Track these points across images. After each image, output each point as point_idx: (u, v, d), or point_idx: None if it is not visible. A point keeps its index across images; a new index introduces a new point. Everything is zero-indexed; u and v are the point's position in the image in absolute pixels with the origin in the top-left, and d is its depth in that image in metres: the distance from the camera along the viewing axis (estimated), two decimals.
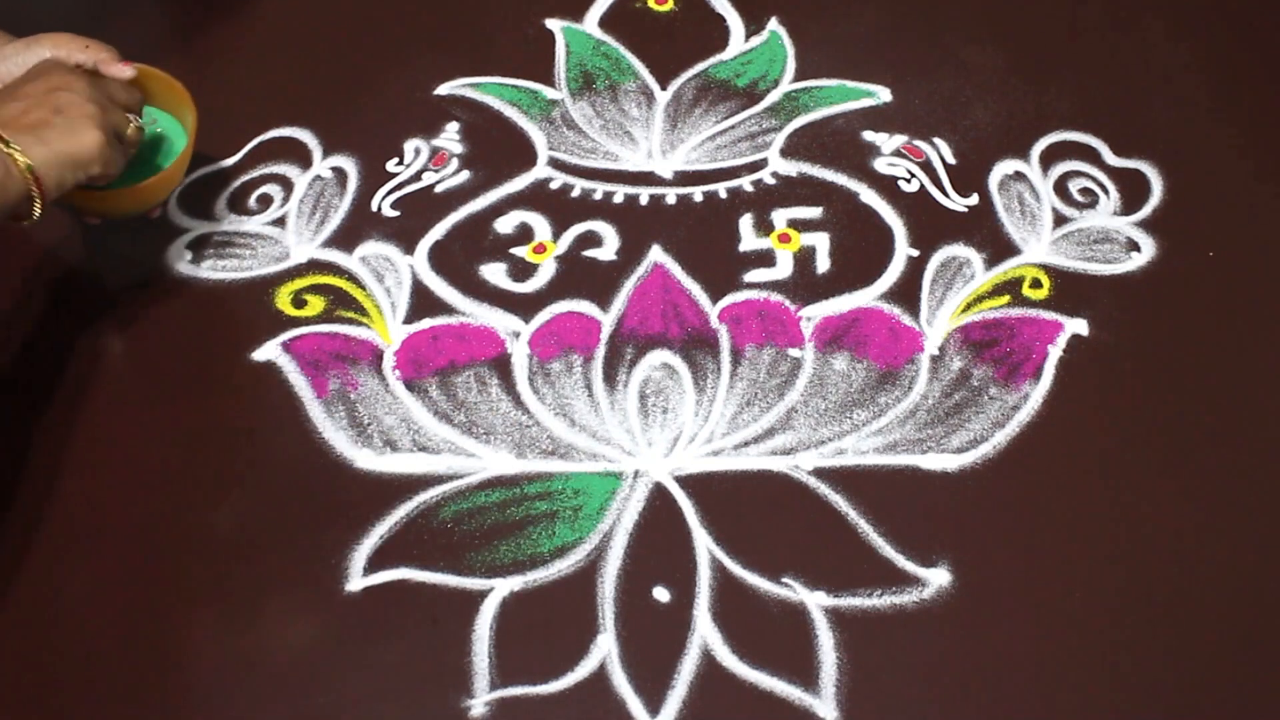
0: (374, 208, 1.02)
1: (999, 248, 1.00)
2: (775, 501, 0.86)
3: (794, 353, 0.94)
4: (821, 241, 1.01)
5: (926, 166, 1.05)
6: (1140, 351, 0.94)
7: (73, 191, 0.87)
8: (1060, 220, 1.02)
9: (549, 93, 1.11)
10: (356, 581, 0.82)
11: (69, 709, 0.78)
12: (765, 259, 1.00)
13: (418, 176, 1.05)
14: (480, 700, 0.78)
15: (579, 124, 1.08)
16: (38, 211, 0.82)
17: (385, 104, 1.10)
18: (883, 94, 1.11)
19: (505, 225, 1.02)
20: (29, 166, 0.80)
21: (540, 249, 1.00)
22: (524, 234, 1.01)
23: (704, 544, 0.84)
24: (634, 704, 0.78)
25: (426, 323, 0.95)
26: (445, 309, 0.96)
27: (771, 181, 1.04)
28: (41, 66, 0.87)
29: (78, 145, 0.82)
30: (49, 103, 0.83)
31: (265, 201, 1.03)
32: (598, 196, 1.03)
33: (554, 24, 1.16)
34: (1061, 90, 1.11)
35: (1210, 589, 0.83)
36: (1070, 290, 0.97)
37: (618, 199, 1.03)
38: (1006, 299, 0.97)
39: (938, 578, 0.83)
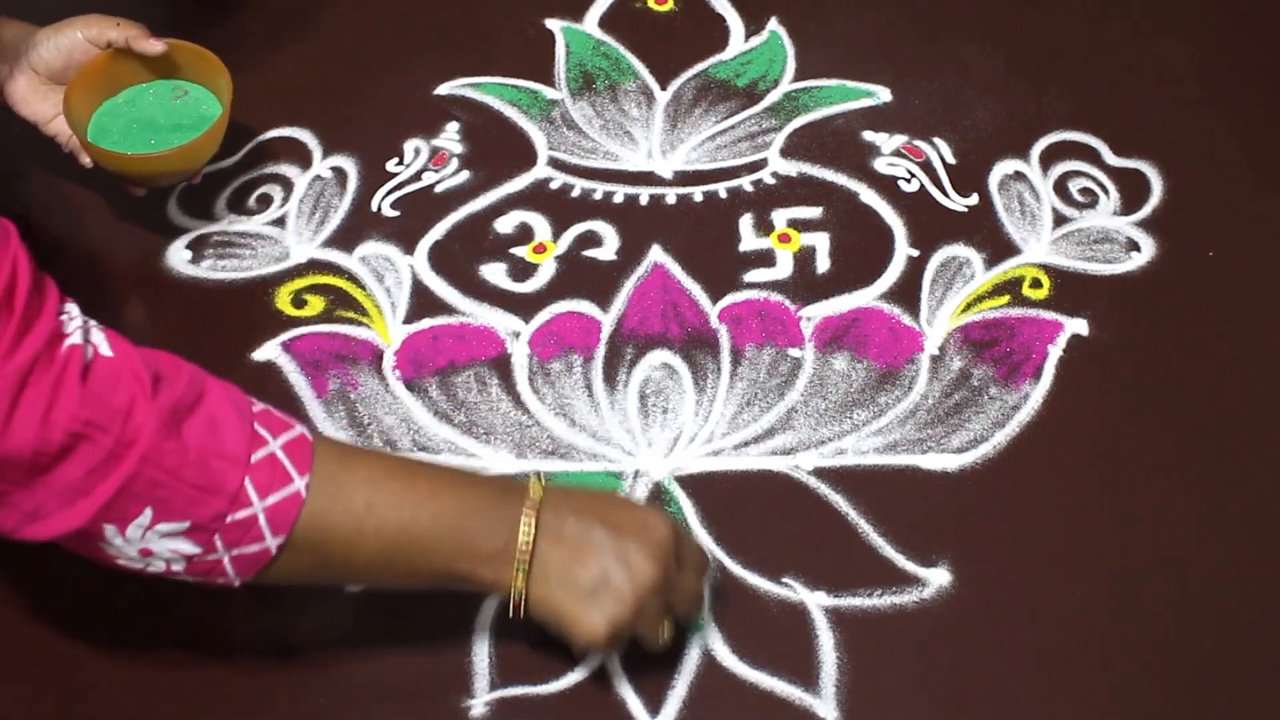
0: (374, 208, 1.02)
1: (999, 248, 1.00)
2: (775, 501, 0.86)
3: (794, 353, 0.94)
4: (821, 241, 1.01)
5: (926, 166, 1.05)
6: (1140, 351, 0.94)
7: (113, 154, 0.91)
8: (1060, 220, 1.02)
9: (549, 93, 1.11)
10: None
11: (68, 707, 0.78)
12: (765, 259, 1.00)
13: (418, 176, 1.05)
14: (480, 700, 0.78)
15: (579, 124, 1.08)
16: (514, 609, 0.72)
17: (385, 104, 1.10)
18: (883, 94, 1.11)
19: (505, 225, 1.02)
20: (519, 592, 0.70)
21: (540, 249, 1.00)
22: (524, 234, 1.01)
23: (704, 544, 0.84)
24: (634, 704, 0.78)
25: (426, 323, 0.95)
26: (445, 309, 0.96)
27: (771, 181, 1.04)
28: (654, 521, 0.73)
29: (577, 618, 0.71)
30: (605, 553, 0.70)
31: (265, 201, 1.03)
32: (598, 196, 1.03)
33: (554, 24, 1.16)
34: (1061, 90, 1.11)
35: (1210, 588, 0.83)
36: (1070, 290, 0.97)
37: (618, 199, 1.03)
38: (1006, 299, 0.97)
39: (938, 578, 0.83)
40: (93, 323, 0.65)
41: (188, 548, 0.65)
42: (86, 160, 0.95)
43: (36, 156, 1.01)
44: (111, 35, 0.94)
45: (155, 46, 0.95)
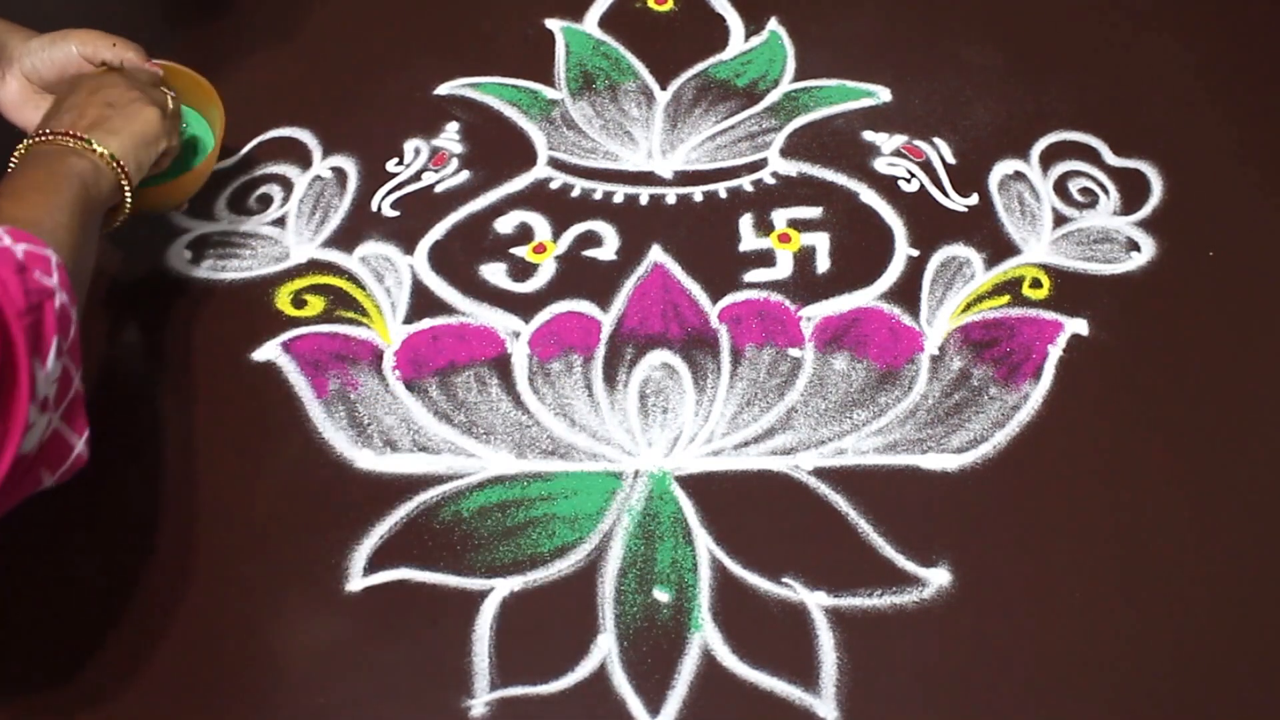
0: (374, 208, 1.02)
1: (999, 248, 1.00)
2: (775, 501, 0.86)
3: (794, 353, 0.94)
4: (821, 241, 1.00)
5: (926, 166, 1.05)
6: (1140, 351, 0.94)
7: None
8: (1060, 220, 1.02)
9: (549, 93, 1.11)
10: (357, 581, 0.82)
11: (68, 707, 0.78)
12: (765, 259, 1.00)
13: (418, 176, 1.05)
14: (480, 700, 0.78)
15: (579, 124, 1.08)
16: (128, 199, 0.85)
17: (385, 104, 1.10)
18: (883, 94, 1.11)
19: (505, 225, 1.02)
20: (111, 155, 0.83)
21: (540, 249, 1.00)
22: (524, 234, 1.01)
23: (704, 544, 0.84)
24: (634, 704, 0.78)
25: (426, 323, 0.95)
26: (445, 309, 0.96)
27: (771, 181, 1.04)
28: (71, 81, 0.90)
29: (142, 125, 0.86)
30: (97, 101, 0.86)
31: (265, 201, 1.03)
32: (598, 196, 1.03)
33: (554, 24, 1.16)
34: (1061, 90, 1.11)
35: (1210, 588, 0.83)
36: (1070, 290, 0.97)
37: (618, 199, 1.03)
38: (1006, 299, 0.97)
39: (938, 578, 0.83)
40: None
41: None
42: None
43: None
44: (107, 55, 0.92)
45: (149, 70, 0.94)
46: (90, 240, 0.82)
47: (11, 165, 0.83)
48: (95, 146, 0.83)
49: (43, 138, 0.84)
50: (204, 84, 0.97)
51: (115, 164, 0.84)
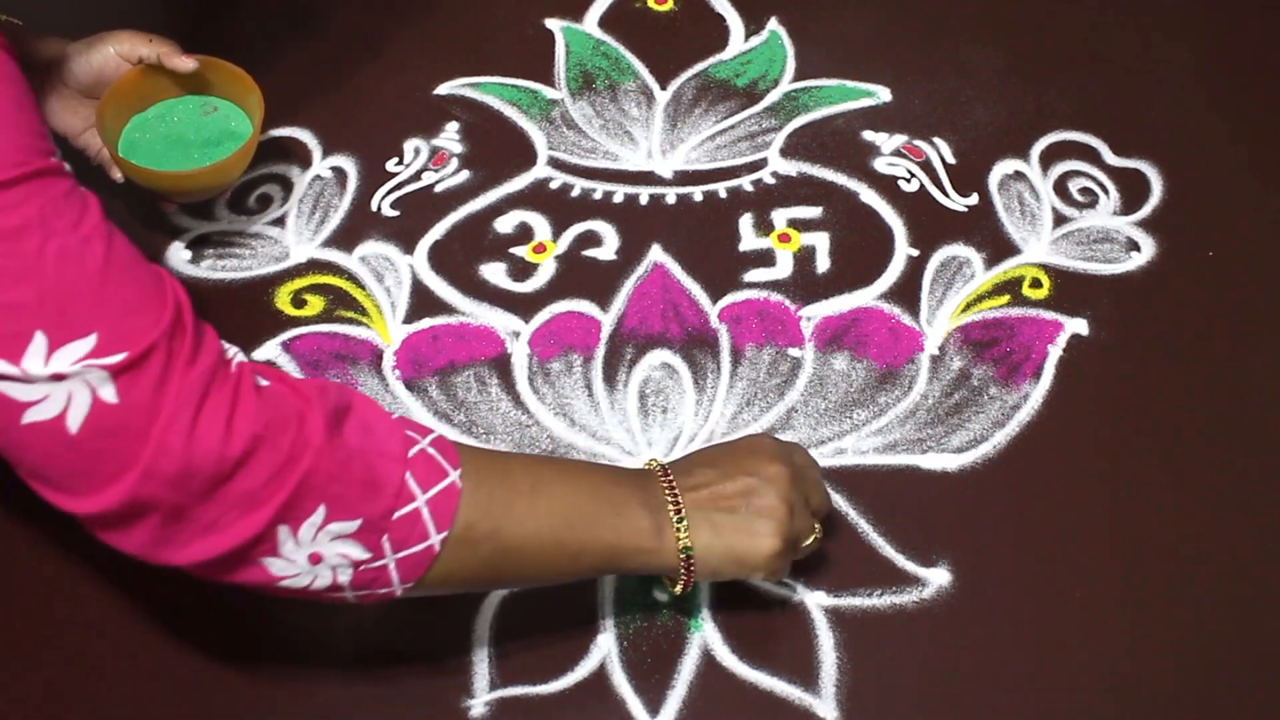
0: (374, 207, 1.02)
1: (999, 247, 1.00)
2: None
3: (794, 352, 0.94)
4: (821, 241, 1.00)
5: (926, 166, 1.05)
6: (1140, 351, 0.94)
7: (146, 170, 0.92)
8: (1060, 220, 1.02)
9: (549, 92, 1.11)
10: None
11: (66, 706, 0.78)
12: (765, 259, 0.99)
13: (417, 176, 1.05)
14: (480, 700, 0.78)
15: (579, 124, 1.08)
16: (677, 590, 0.75)
17: (385, 104, 1.10)
18: (883, 94, 1.11)
19: (505, 225, 1.02)
20: (687, 549, 0.73)
21: (540, 249, 1.00)
22: (524, 234, 1.01)
23: None
24: (634, 704, 0.78)
25: (426, 322, 0.95)
26: (445, 309, 0.96)
27: (771, 181, 1.04)
28: (758, 442, 0.78)
29: (750, 548, 0.73)
30: (741, 484, 0.74)
31: (265, 201, 1.03)
32: (597, 196, 1.03)
33: (554, 24, 1.16)
34: (1061, 90, 1.11)
35: (1210, 588, 0.83)
36: (1070, 290, 0.97)
37: (617, 199, 1.03)
38: (1006, 299, 0.97)
39: (938, 578, 0.83)
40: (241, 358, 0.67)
41: (356, 551, 0.65)
42: (117, 175, 0.95)
43: None
44: (143, 52, 0.93)
45: (187, 64, 0.94)
46: (561, 577, 0.73)
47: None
48: (682, 535, 0.72)
49: (660, 476, 0.74)
50: (240, 73, 0.98)
51: (684, 560, 0.73)
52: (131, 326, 0.60)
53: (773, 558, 0.74)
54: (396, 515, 0.66)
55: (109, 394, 0.60)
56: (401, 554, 0.66)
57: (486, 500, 0.68)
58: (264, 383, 0.65)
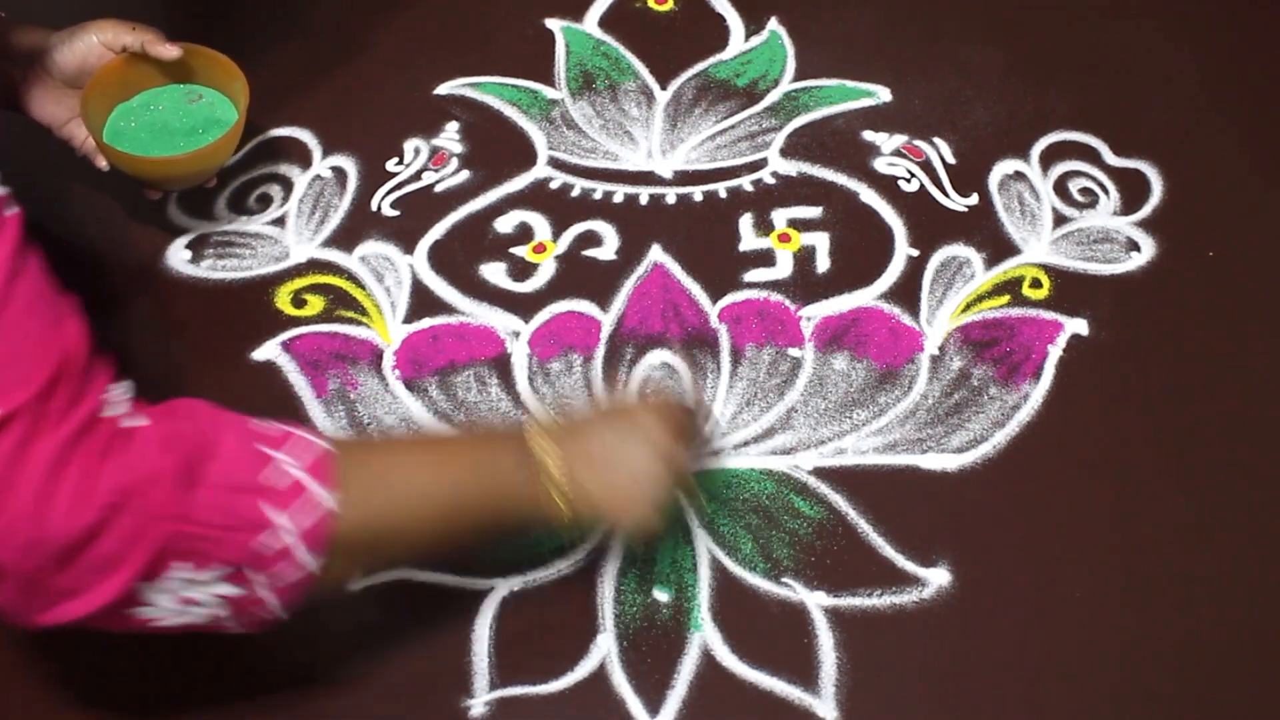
0: (374, 207, 1.02)
1: (999, 247, 1.00)
2: (775, 501, 0.86)
3: (794, 352, 0.94)
4: (821, 241, 1.00)
5: (926, 166, 1.05)
6: (1140, 351, 0.94)
7: (131, 157, 0.92)
8: (1060, 220, 1.02)
9: (549, 92, 1.11)
10: (356, 581, 0.82)
11: (65, 706, 0.78)
12: (765, 259, 1.00)
13: (417, 176, 1.05)
14: (480, 700, 0.78)
15: (579, 124, 1.08)
16: (567, 533, 0.78)
17: (385, 104, 1.10)
18: (883, 94, 1.11)
19: (505, 225, 1.02)
20: (561, 496, 0.73)
21: (540, 249, 1.00)
22: (524, 234, 1.01)
23: (704, 544, 0.84)
24: (634, 704, 0.78)
25: (426, 322, 0.95)
26: (445, 309, 0.96)
27: (771, 181, 1.04)
28: (628, 400, 0.80)
29: (619, 497, 0.75)
30: (613, 436, 0.76)
31: (265, 201, 1.03)
32: (597, 196, 1.03)
33: (554, 24, 1.16)
34: (1061, 90, 1.11)
35: (1210, 588, 0.83)
36: (1070, 290, 0.97)
37: (617, 199, 1.03)
38: (1006, 299, 0.97)
39: (938, 578, 0.83)
40: (130, 399, 0.65)
41: (229, 589, 0.65)
42: (103, 163, 0.95)
43: (45, 158, 1.01)
44: (127, 40, 0.93)
45: (171, 52, 0.94)
46: (433, 537, 0.73)
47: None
48: (554, 481, 0.72)
49: (532, 429, 0.74)
50: (224, 60, 0.98)
51: (559, 507, 0.73)
52: (3, 382, 0.58)
53: (640, 506, 0.75)
54: (266, 550, 0.64)
55: None
56: (277, 585, 0.66)
57: (358, 508, 0.67)
58: (139, 422, 0.63)
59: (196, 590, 0.64)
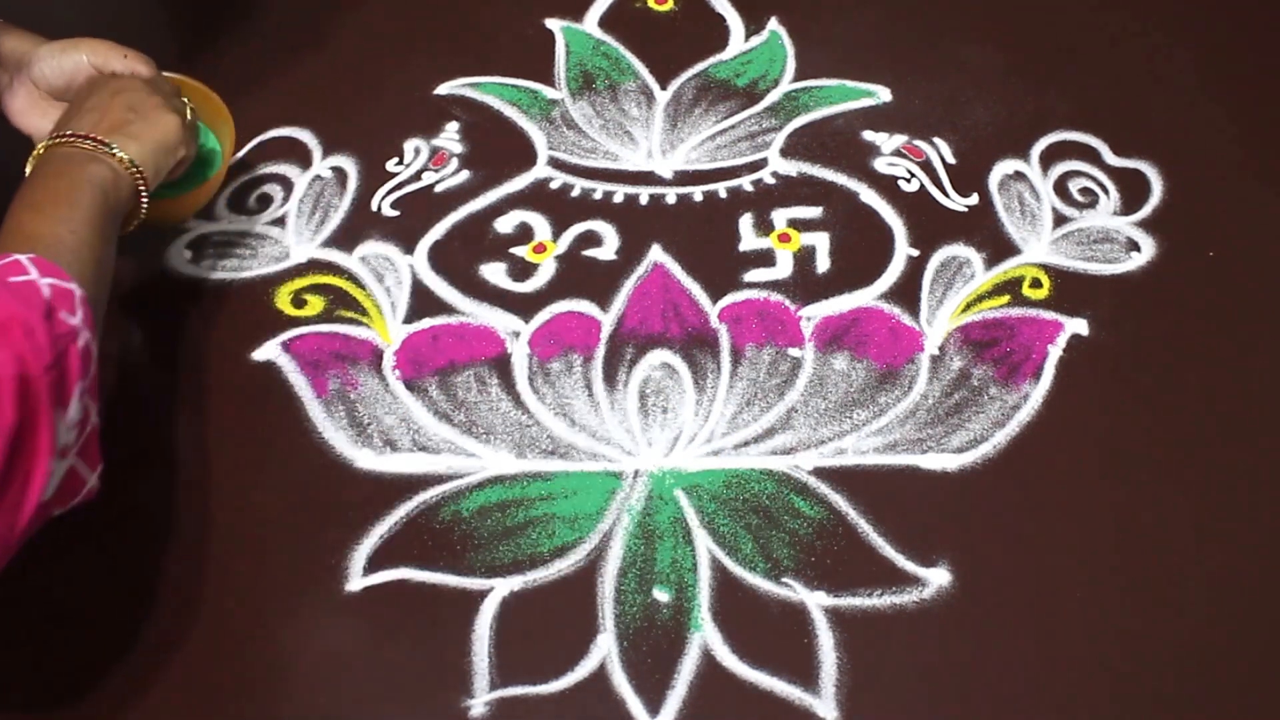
0: (374, 207, 1.02)
1: (999, 247, 1.00)
2: (775, 501, 0.86)
3: (794, 352, 0.94)
4: (821, 241, 1.00)
5: (926, 166, 1.05)
6: (1140, 351, 0.94)
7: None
8: (1060, 220, 1.02)
9: (549, 93, 1.11)
10: (356, 581, 0.82)
11: (65, 707, 0.78)
12: (765, 259, 1.00)
13: (417, 176, 1.05)
14: (480, 700, 0.78)
15: (579, 124, 1.08)
16: (144, 208, 0.84)
17: (385, 104, 1.10)
18: (883, 94, 1.11)
19: (505, 225, 1.02)
20: (131, 161, 0.82)
21: (540, 249, 1.00)
22: (524, 234, 1.01)
23: (704, 544, 0.84)
24: (634, 704, 0.78)
25: (426, 322, 0.95)
26: (445, 309, 0.96)
27: (771, 181, 1.04)
28: (92, 82, 0.88)
29: (163, 132, 0.85)
30: (119, 104, 0.85)
31: (265, 201, 1.03)
32: (598, 196, 1.03)
33: (554, 24, 1.16)
34: (1061, 90, 1.11)
35: (1210, 588, 0.83)
36: (1070, 290, 0.97)
37: (618, 199, 1.03)
38: (1006, 299, 0.97)
39: (938, 578, 0.83)
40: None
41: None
42: None
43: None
44: (117, 66, 0.91)
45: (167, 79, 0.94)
46: (109, 254, 0.81)
47: (28, 169, 0.83)
48: (116, 152, 0.82)
49: (62, 139, 0.83)
50: (214, 98, 0.97)
51: (135, 170, 0.83)
52: None
53: (180, 128, 0.86)
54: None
55: None
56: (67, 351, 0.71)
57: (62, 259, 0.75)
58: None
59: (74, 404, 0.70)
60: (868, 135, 1.08)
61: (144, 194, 0.84)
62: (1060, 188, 1.04)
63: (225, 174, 0.97)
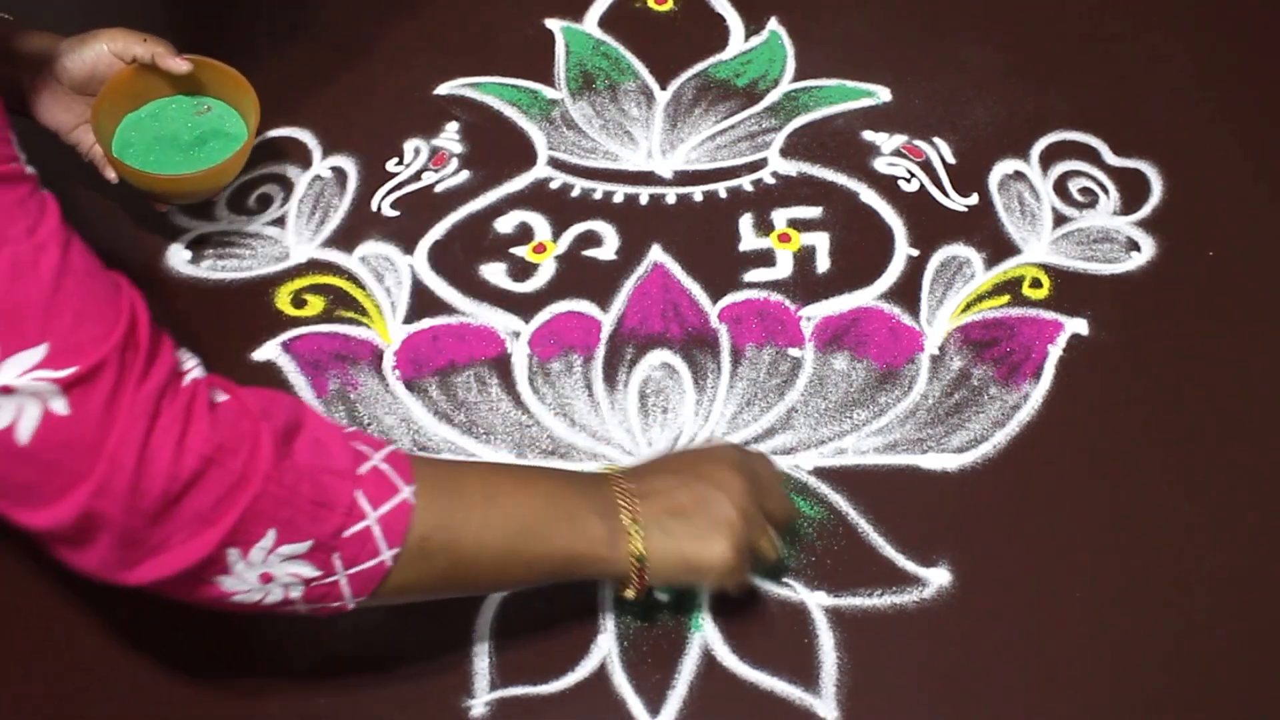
0: (374, 208, 1.02)
1: (999, 247, 1.00)
2: None
3: (794, 352, 0.94)
4: (821, 241, 1.01)
5: (926, 166, 1.05)
6: (1140, 351, 0.94)
7: (140, 173, 0.92)
8: (1060, 220, 1.02)
9: (549, 93, 1.11)
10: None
11: (67, 708, 0.78)
12: (765, 259, 1.00)
13: (417, 176, 1.05)
14: (480, 700, 0.78)
15: (579, 124, 1.08)
16: (630, 595, 0.74)
17: (385, 104, 1.10)
18: (883, 94, 1.11)
19: (505, 225, 1.02)
20: (640, 557, 0.72)
21: (540, 249, 1.00)
22: (524, 234, 1.01)
23: None
24: (634, 704, 0.78)
25: (426, 322, 0.95)
26: (445, 309, 0.96)
27: (771, 181, 1.04)
28: (719, 451, 0.79)
29: (702, 553, 0.73)
30: (696, 491, 0.74)
31: (265, 201, 1.03)
32: (597, 196, 1.03)
33: (554, 24, 1.16)
34: (1061, 90, 1.11)
35: (1209, 588, 0.83)
36: (1070, 290, 0.97)
37: (617, 199, 1.03)
38: (1006, 299, 0.97)
39: (938, 578, 0.83)
40: (199, 364, 0.66)
41: (307, 570, 0.66)
42: (111, 175, 0.95)
43: (47, 160, 1.01)
44: (138, 51, 0.93)
45: (181, 66, 0.94)
46: (487, 576, 0.73)
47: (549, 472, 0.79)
48: (636, 541, 0.72)
49: (616, 483, 0.74)
50: (234, 75, 0.97)
51: (637, 566, 0.72)
52: (83, 338, 0.60)
53: (725, 566, 0.73)
54: (347, 534, 0.65)
55: (60, 406, 0.59)
56: (353, 570, 0.66)
57: (440, 514, 0.68)
58: (221, 397, 0.65)
59: (277, 566, 0.65)
60: (868, 135, 1.08)
61: (632, 589, 0.74)
62: (1060, 188, 1.04)
63: (250, 150, 0.96)
